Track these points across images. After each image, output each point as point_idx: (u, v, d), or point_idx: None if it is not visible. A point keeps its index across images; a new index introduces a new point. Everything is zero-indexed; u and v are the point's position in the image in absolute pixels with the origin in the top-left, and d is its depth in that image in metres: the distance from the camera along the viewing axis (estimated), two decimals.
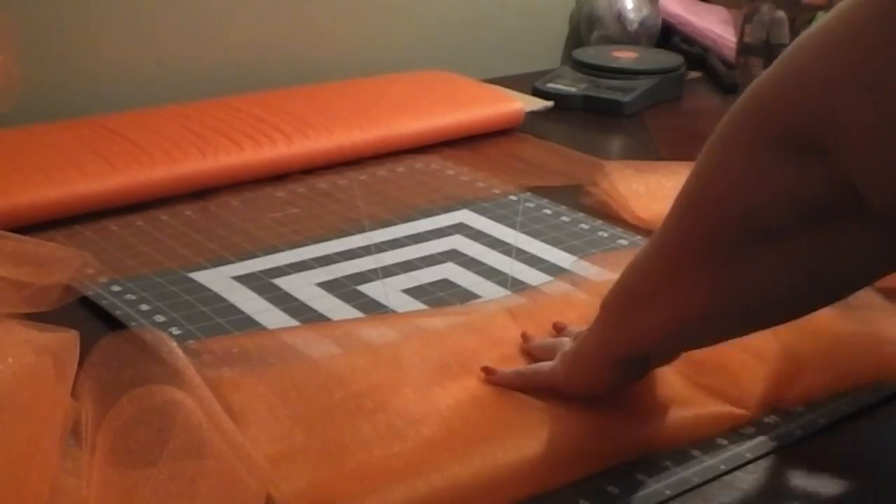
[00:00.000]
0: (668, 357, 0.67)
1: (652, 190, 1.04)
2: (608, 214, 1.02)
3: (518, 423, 0.67)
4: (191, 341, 0.77)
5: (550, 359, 0.70)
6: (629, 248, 0.95)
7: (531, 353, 0.75)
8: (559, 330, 0.77)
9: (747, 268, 0.55)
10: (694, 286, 0.58)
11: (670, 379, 0.71)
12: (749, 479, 0.65)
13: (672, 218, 0.59)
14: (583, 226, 1.00)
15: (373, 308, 0.84)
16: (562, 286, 0.87)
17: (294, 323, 0.81)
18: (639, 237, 0.97)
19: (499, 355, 0.75)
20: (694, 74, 1.53)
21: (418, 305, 0.84)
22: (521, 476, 0.63)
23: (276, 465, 0.61)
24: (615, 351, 0.65)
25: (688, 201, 0.58)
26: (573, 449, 0.66)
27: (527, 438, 0.65)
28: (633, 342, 0.64)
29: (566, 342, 0.71)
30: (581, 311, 0.80)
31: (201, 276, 0.88)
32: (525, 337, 0.76)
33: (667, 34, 1.63)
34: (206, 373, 0.67)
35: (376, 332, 0.77)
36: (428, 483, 0.61)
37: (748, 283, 0.56)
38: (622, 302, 0.63)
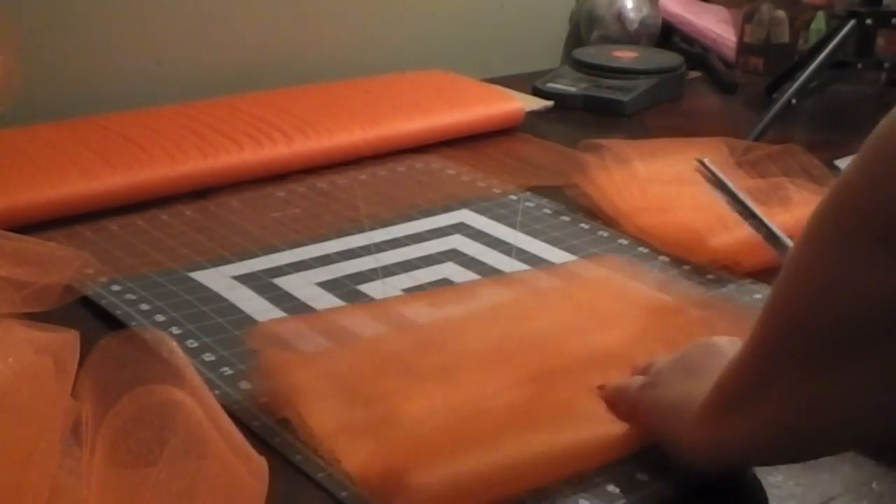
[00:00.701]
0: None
1: (627, 181, 1.04)
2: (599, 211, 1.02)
3: (572, 403, 0.69)
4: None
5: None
6: (628, 247, 0.95)
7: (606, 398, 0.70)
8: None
9: (840, 377, 0.51)
10: (788, 393, 0.54)
11: None
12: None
13: (764, 319, 0.55)
14: (583, 225, 1.00)
15: None
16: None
17: None
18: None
19: (550, 335, 0.76)
20: (694, 74, 1.53)
21: None
22: (576, 453, 0.65)
23: (336, 438, 0.65)
24: (708, 453, 0.60)
25: (779, 303, 0.54)
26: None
27: (579, 417, 0.67)
28: (724, 448, 0.59)
29: (662, 359, 0.68)
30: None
31: (201, 276, 0.88)
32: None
33: (667, 34, 1.64)
34: (268, 355, 0.72)
35: (429, 310, 0.79)
36: (481, 457, 0.62)
37: (840, 394, 0.52)
38: (715, 409, 0.59)
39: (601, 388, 0.69)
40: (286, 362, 0.72)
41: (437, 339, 0.75)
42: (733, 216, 0.96)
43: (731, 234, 0.93)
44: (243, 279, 0.88)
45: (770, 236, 0.80)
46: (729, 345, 0.64)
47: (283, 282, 0.88)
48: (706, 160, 0.77)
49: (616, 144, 1.10)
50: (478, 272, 0.90)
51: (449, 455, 0.62)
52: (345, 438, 0.65)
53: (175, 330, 0.79)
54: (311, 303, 0.84)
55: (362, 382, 0.70)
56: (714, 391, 0.59)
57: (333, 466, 0.64)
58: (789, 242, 0.80)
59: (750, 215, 0.75)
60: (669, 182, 1.03)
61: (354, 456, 0.64)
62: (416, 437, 0.65)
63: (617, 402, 0.68)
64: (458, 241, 0.97)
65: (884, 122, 0.47)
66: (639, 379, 0.68)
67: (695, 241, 0.93)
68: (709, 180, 0.76)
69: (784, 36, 1.51)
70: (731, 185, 0.77)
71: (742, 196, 0.77)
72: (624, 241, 0.97)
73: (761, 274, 0.90)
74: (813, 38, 1.45)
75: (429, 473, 0.61)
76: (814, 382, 0.52)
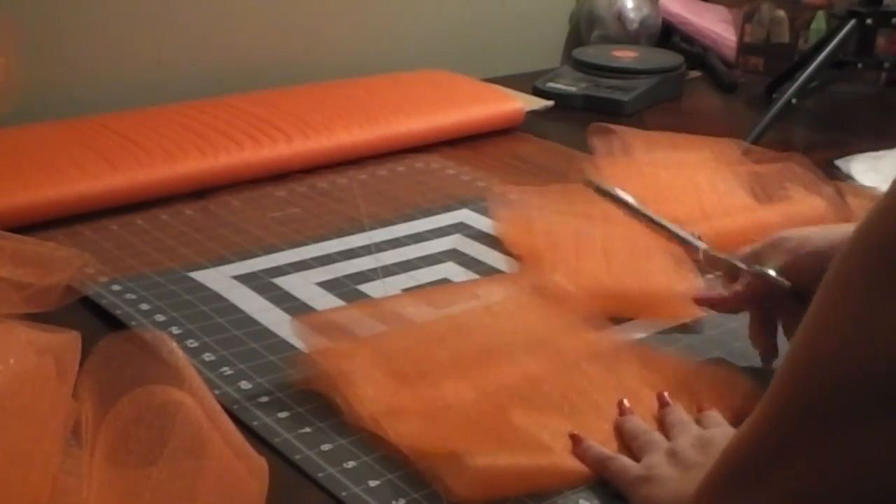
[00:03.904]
0: None
1: (632, 176, 1.04)
2: None
3: (615, 393, 0.71)
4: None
5: (636, 454, 0.66)
6: None
7: (621, 432, 0.68)
8: (662, 405, 0.71)
9: (878, 437, 0.46)
10: (808, 462, 0.48)
11: None
12: None
13: (783, 377, 0.50)
14: None
15: None
16: None
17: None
18: None
19: (568, 327, 0.78)
20: (694, 74, 1.53)
21: None
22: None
23: (384, 417, 0.67)
24: None
25: (803, 356, 0.49)
26: None
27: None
28: None
29: (658, 447, 0.65)
30: None
31: (201, 276, 0.88)
32: (622, 409, 0.70)
33: (667, 34, 1.64)
34: (316, 342, 0.74)
35: (474, 300, 0.81)
36: (530, 442, 0.65)
37: (873, 458, 0.46)
38: (721, 485, 0.54)
39: (574, 440, 0.67)
40: (333, 348, 0.73)
41: (480, 324, 0.77)
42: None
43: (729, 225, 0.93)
44: (243, 279, 0.88)
45: (683, 241, 0.77)
46: (722, 438, 0.60)
47: (283, 282, 0.88)
48: (599, 182, 0.75)
49: (626, 132, 1.09)
50: (478, 272, 0.90)
51: (497, 438, 0.64)
52: (393, 418, 0.67)
53: (175, 330, 0.79)
54: (311, 303, 0.84)
55: (408, 365, 0.71)
56: (718, 470, 0.54)
57: (384, 445, 0.66)
58: (701, 245, 0.78)
59: (658, 226, 0.74)
60: (675, 174, 1.03)
61: (404, 434, 0.66)
62: (465, 418, 0.66)
63: (605, 476, 0.65)
64: (458, 241, 0.97)
65: None
66: (631, 466, 0.64)
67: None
68: (606, 199, 0.75)
69: (784, 36, 1.51)
70: (630, 199, 0.75)
71: (643, 209, 0.75)
72: None
73: None
74: (813, 38, 1.45)
75: (484, 456, 0.62)
76: (845, 444, 0.47)
